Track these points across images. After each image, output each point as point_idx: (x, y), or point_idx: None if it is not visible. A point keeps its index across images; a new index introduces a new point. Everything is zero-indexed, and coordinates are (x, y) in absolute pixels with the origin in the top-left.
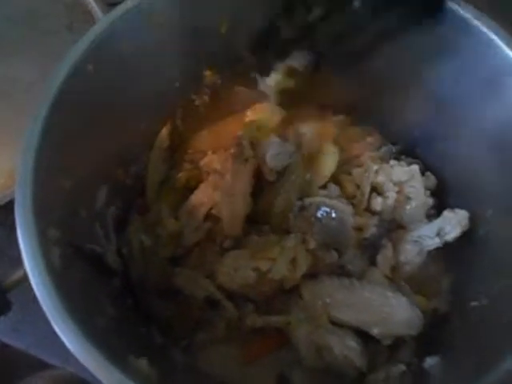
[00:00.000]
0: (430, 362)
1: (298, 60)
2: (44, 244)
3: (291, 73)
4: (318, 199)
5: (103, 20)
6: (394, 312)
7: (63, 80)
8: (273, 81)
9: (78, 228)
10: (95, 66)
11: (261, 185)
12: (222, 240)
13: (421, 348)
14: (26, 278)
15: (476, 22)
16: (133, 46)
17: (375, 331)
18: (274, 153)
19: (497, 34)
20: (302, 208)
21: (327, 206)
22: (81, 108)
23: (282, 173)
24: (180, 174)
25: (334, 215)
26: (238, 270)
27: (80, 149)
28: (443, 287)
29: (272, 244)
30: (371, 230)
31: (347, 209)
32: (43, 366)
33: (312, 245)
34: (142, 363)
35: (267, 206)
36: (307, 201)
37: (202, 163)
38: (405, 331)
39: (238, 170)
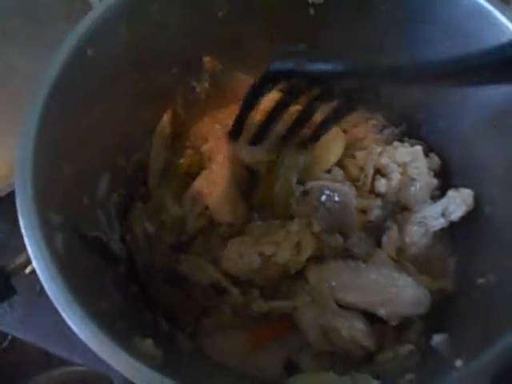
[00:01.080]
0: (437, 339)
1: None
2: (46, 228)
3: None
4: (320, 183)
5: (100, 5)
6: (401, 292)
7: (62, 64)
8: None
9: (81, 214)
10: (94, 51)
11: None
12: (220, 227)
13: (428, 327)
14: (29, 262)
15: (482, 2)
16: (131, 31)
17: (382, 312)
18: None
19: (503, 13)
20: (305, 193)
21: (330, 189)
22: (80, 93)
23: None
24: (182, 160)
25: (337, 198)
26: (242, 255)
27: (79, 134)
28: (449, 267)
29: (276, 228)
30: (375, 212)
31: (350, 191)
32: (50, 364)
33: (316, 228)
34: (148, 344)
35: (267, 192)
36: (309, 185)
37: (203, 149)
38: (412, 311)
39: (222, 158)
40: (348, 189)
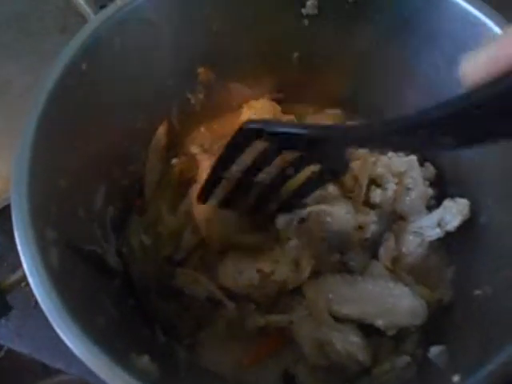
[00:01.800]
0: (434, 351)
1: None
2: (41, 244)
3: None
4: (318, 208)
5: (95, 19)
6: (398, 302)
7: (57, 79)
8: None
9: (77, 228)
10: (89, 65)
11: None
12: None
13: (425, 339)
14: (24, 278)
15: (466, 6)
16: (125, 44)
17: (379, 323)
18: None
19: (491, 18)
20: (301, 220)
21: (327, 213)
22: (75, 107)
23: None
24: (173, 162)
25: (335, 227)
26: (242, 272)
27: (75, 148)
28: (446, 277)
29: (272, 241)
30: (371, 228)
31: (349, 217)
32: (46, 373)
33: (315, 251)
34: (144, 360)
35: None
36: (307, 211)
37: (193, 151)
38: (409, 321)
39: (204, 170)
40: (345, 208)
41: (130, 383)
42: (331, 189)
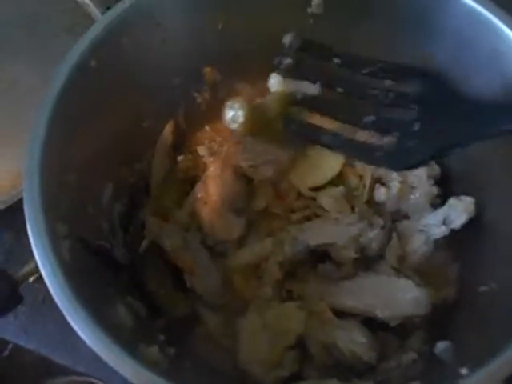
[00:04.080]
0: (440, 346)
1: None
2: (53, 237)
3: None
4: (322, 242)
5: (104, 17)
6: (400, 292)
7: (67, 76)
8: None
9: (86, 224)
10: (98, 63)
11: None
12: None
13: (431, 335)
14: (36, 270)
15: (473, 4)
16: (133, 44)
17: (382, 313)
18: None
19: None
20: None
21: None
22: (84, 104)
23: None
24: (179, 158)
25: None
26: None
27: (84, 145)
28: (451, 275)
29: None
30: (373, 247)
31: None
32: (49, 374)
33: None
34: (154, 351)
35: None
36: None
37: (199, 150)
38: (412, 311)
39: (214, 176)
40: (350, 252)
41: (141, 372)
42: (334, 192)
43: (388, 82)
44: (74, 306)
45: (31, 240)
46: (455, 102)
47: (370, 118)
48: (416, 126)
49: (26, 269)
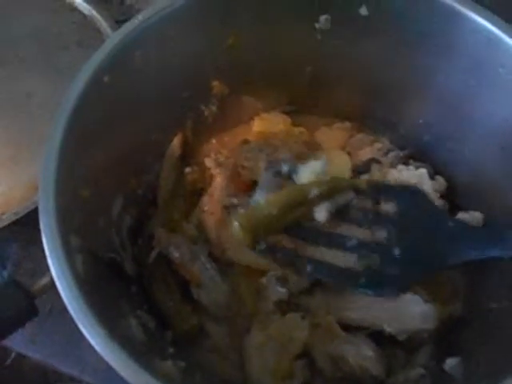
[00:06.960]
0: (451, 362)
1: None
2: (67, 250)
3: None
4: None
5: (118, 32)
6: (407, 306)
7: (81, 91)
8: None
9: (97, 236)
10: (110, 78)
11: None
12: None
13: (439, 350)
14: (52, 283)
15: (484, 22)
16: (145, 58)
17: (389, 327)
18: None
19: (506, 32)
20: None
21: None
22: (97, 119)
23: None
24: (187, 170)
25: None
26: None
27: (97, 158)
28: (459, 289)
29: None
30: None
31: None
32: (52, 382)
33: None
34: (168, 365)
35: None
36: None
37: (206, 162)
38: (420, 325)
39: (217, 185)
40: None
41: None
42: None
43: (367, 203)
44: (90, 320)
45: (46, 253)
46: (434, 220)
47: (352, 242)
48: (396, 251)
49: (42, 282)
